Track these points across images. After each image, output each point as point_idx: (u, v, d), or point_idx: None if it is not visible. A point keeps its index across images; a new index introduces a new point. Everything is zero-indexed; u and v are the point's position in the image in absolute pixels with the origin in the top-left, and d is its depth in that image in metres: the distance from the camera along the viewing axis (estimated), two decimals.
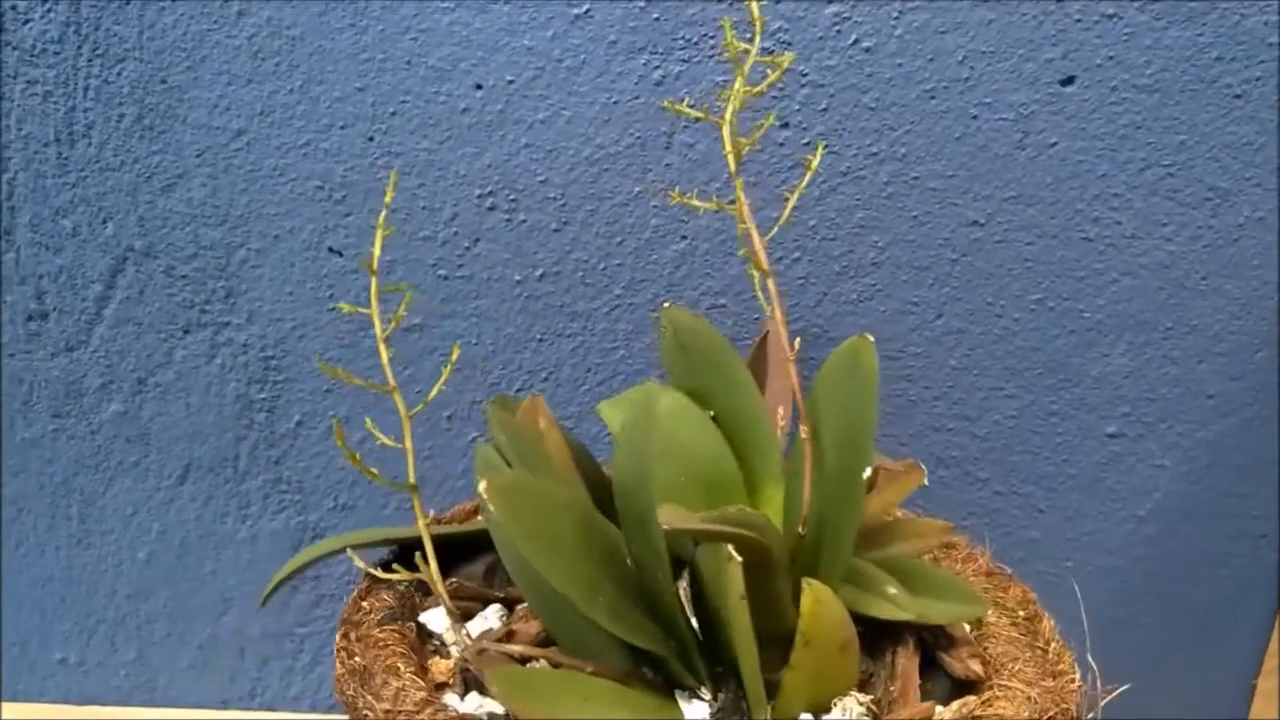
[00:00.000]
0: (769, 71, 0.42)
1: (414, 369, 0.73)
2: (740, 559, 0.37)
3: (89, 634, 0.81)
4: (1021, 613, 0.49)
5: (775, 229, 0.44)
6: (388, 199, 0.47)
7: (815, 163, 0.43)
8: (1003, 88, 0.65)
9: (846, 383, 0.43)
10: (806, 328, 0.71)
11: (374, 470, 0.45)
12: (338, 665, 0.48)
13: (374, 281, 0.46)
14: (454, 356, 0.50)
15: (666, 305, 0.55)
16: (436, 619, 0.52)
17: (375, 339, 0.45)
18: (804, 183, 0.44)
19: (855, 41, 0.65)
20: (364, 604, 0.53)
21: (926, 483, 0.52)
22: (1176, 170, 0.67)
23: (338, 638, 0.50)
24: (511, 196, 0.69)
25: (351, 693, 0.44)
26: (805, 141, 0.67)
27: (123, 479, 0.77)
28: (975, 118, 0.66)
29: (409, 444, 0.47)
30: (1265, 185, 0.67)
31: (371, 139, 0.68)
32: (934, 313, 0.71)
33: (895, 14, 0.64)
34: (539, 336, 0.72)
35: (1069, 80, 0.65)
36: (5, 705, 0.83)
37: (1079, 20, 0.64)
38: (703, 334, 0.52)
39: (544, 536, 0.41)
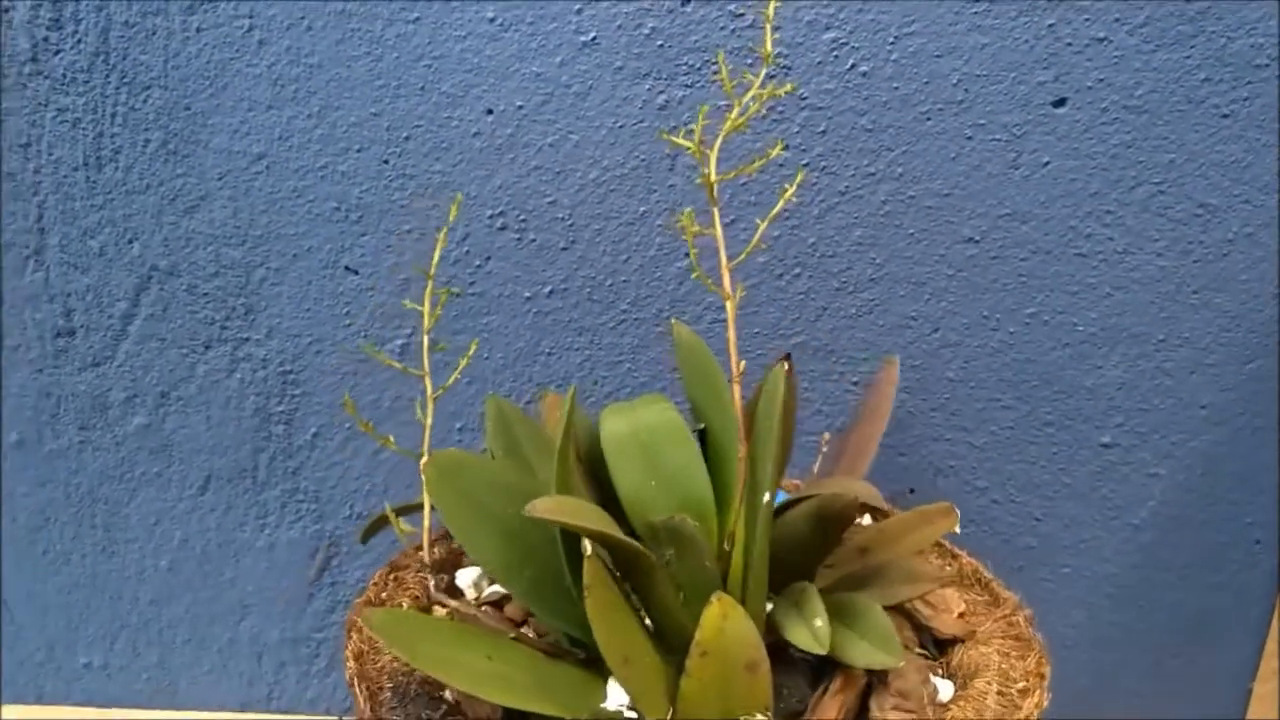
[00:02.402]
0: (751, 104, 0.45)
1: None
2: (591, 552, 0.40)
3: (113, 639, 0.84)
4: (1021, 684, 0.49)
5: (744, 255, 0.46)
6: (451, 217, 0.56)
7: (790, 193, 0.45)
8: (996, 109, 0.68)
9: (767, 409, 0.45)
10: (807, 341, 0.73)
11: (390, 438, 0.49)
12: (367, 595, 0.53)
13: (430, 284, 0.52)
14: (471, 350, 0.56)
15: (674, 320, 0.57)
16: (465, 576, 0.56)
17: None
18: (776, 210, 0.47)
19: (853, 66, 0.67)
20: (419, 554, 0.57)
21: (958, 530, 0.50)
22: (1166, 188, 0.69)
23: (376, 574, 0.55)
24: (521, 217, 0.71)
25: (355, 614, 0.49)
26: (805, 162, 0.69)
27: (146, 489, 0.79)
28: (970, 138, 0.68)
29: (429, 420, 0.51)
30: (1254, 201, 0.69)
31: (386, 162, 0.70)
32: (931, 326, 0.73)
33: (891, 39, 0.66)
34: (548, 351, 0.75)
35: (1061, 102, 0.67)
36: (33, 707, 0.85)
37: (1070, 44, 0.66)
38: (696, 350, 0.54)
39: (471, 512, 0.44)
